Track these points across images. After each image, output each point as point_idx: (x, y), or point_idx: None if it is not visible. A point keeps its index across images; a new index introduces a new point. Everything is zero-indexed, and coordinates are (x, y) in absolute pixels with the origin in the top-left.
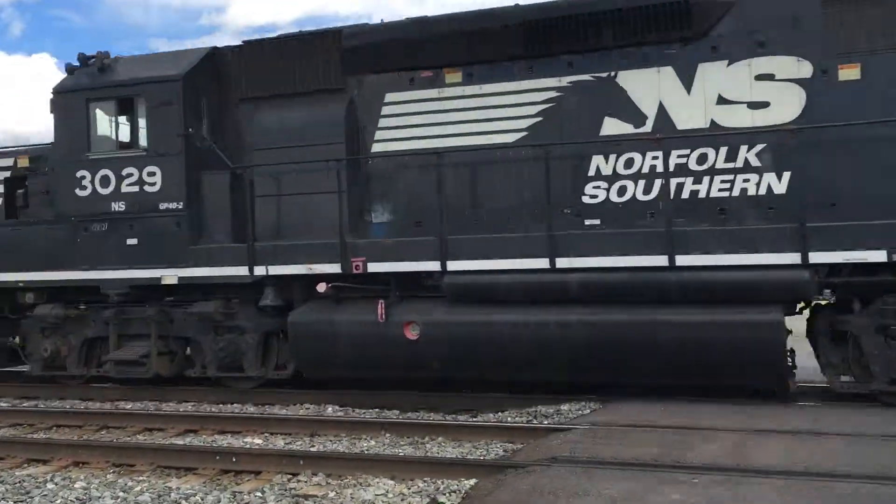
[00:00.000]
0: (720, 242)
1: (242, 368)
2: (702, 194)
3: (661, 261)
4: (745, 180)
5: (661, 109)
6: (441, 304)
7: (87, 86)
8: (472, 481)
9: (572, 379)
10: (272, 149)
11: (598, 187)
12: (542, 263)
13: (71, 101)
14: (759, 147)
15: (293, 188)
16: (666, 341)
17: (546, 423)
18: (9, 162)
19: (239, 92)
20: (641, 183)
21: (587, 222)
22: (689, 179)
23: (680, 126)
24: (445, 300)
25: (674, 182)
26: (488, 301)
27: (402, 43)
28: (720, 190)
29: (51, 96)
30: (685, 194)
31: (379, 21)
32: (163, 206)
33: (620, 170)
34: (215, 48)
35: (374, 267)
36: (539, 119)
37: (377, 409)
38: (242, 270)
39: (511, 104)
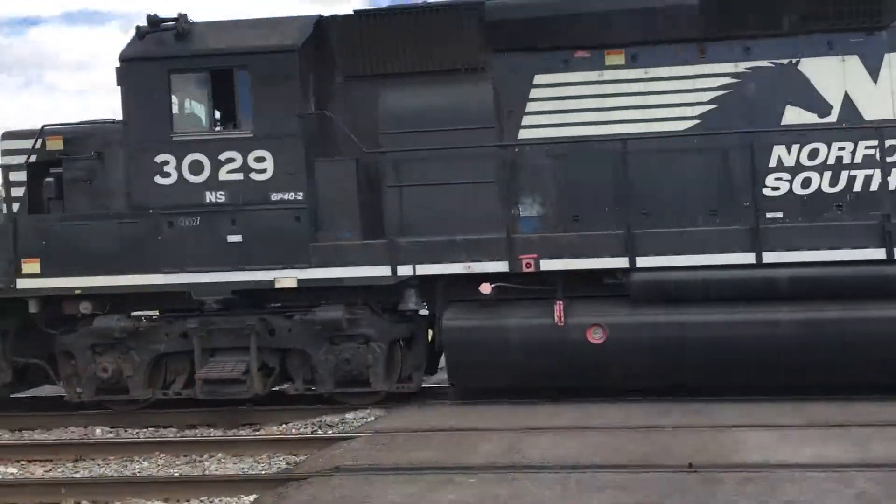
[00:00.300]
0: None
1: (364, 382)
2: (892, 186)
3: (880, 254)
4: None
5: (847, 99)
6: (624, 305)
7: (168, 54)
8: (252, 497)
9: (785, 381)
10: (404, 132)
11: (781, 178)
12: (748, 258)
13: (147, 71)
14: None
15: (436, 177)
16: (888, 337)
17: (330, 432)
18: (27, 144)
19: (350, 68)
20: (827, 175)
21: (769, 215)
22: (878, 171)
23: (867, 116)
24: (626, 301)
25: (862, 174)
26: (681, 300)
27: (555, 19)
28: None
29: (118, 64)
30: (874, 187)
31: None
32: (276, 196)
33: (804, 161)
34: (321, 17)
35: (548, 265)
36: (713, 107)
37: (152, 428)
38: (383, 270)
39: (681, 90)
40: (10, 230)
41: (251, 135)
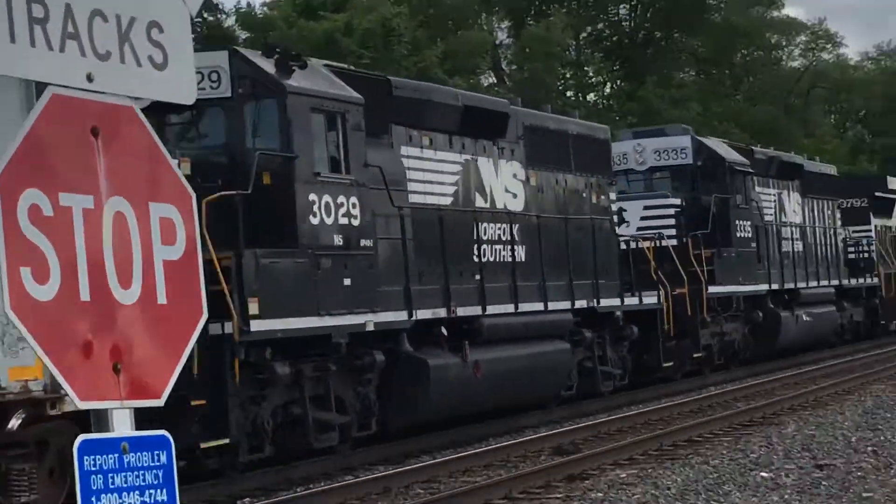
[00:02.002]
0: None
1: None
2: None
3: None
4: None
5: (491, 190)
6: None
7: (312, 91)
8: None
9: None
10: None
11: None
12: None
13: (301, 105)
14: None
15: None
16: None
17: None
18: None
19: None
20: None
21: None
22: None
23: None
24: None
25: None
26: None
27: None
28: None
29: (284, 94)
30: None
31: None
32: (362, 242)
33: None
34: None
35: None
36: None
37: None
38: None
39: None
40: None
41: (352, 180)
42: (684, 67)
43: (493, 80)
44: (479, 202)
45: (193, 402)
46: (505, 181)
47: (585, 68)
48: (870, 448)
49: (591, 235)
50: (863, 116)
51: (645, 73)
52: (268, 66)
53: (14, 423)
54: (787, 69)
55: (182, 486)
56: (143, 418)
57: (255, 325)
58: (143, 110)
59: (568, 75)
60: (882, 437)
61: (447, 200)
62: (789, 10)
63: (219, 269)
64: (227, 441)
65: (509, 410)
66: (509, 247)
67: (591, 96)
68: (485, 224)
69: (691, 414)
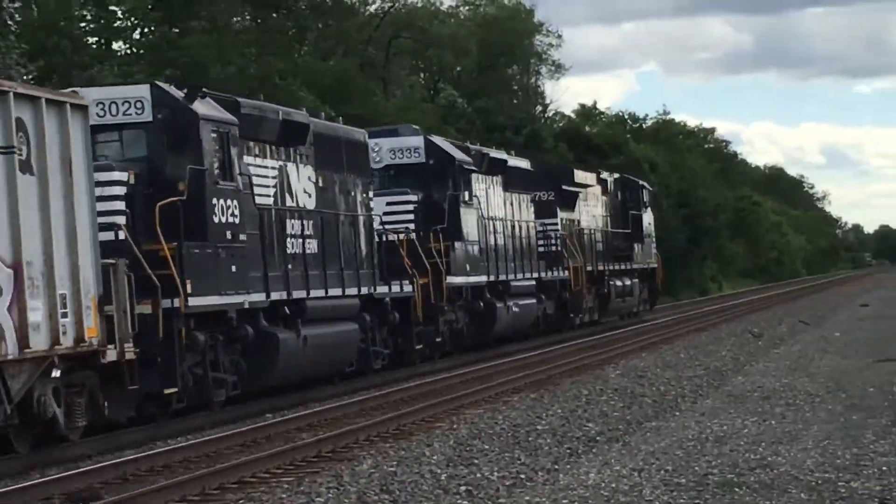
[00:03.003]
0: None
1: None
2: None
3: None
4: None
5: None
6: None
7: (211, 116)
8: None
9: None
10: None
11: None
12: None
13: (206, 128)
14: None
15: None
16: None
17: None
18: None
19: None
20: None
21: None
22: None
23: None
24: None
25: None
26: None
27: None
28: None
29: (196, 119)
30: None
31: None
32: None
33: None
34: None
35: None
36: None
37: None
38: None
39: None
40: None
41: (234, 186)
42: (238, 11)
43: None
44: (289, 202)
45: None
46: (303, 183)
47: (112, 8)
48: (463, 488)
49: (360, 229)
50: (457, 73)
51: (188, 18)
52: (180, 96)
53: (56, 372)
54: (364, 15)
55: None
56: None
57: (192, 301)
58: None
59: (89, 17)
60: (478, 474)
61: (270, 200)
62: None
63: (169, 258)
64: (176, 389)
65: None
66: (309, 240)
67: (118, 44)
68: (292, 221)
69: (243, 448)
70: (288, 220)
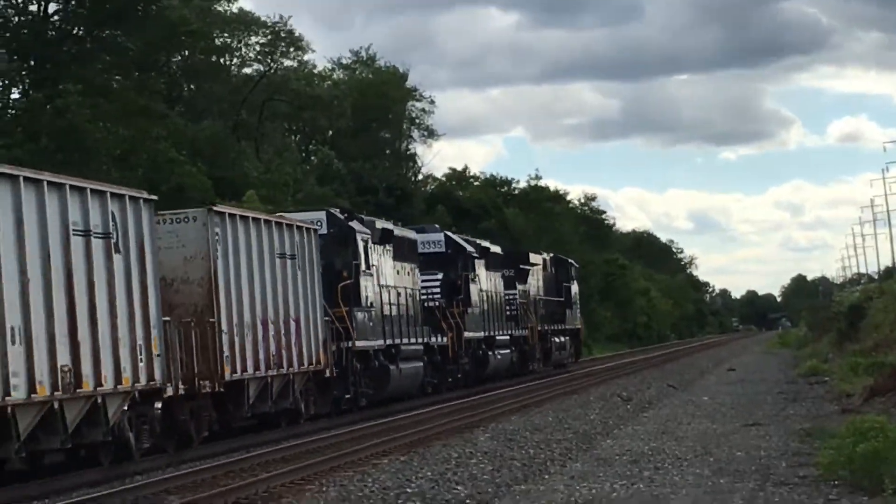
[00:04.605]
0: None
1: None
2: None
3: None
4: None
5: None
6: None
7: (360, 230)
8: None
9: None
10: None
11: None
12: None
13: (358, 238)
14: None
15: None
16: None
17: None
18: None
19: None
20: None
21: None
22: None
23: None
24: None
25: None
26: None
27: None
28: None
29: (353, 234)
30: None
31: None
32: None
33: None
34: None
35: None
36: None
37: None
38: None
39: None
40: None
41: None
42: (112, 70)
43: None
44: (385, 282)
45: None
46: (388, 269)
47: None
48: None
49: (418, 298)
50: (331, 136)
51: (65, 78)
52: (342, 217)
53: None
54: (240, 76)
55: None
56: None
57: (357, 344)
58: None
59: None
60: None
61: (383, 281)
62: (243, 3)
63: (345, 316)
64: (349, 396)
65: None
66: (394, 306)
67: None
68: (389, 293)
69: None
70: (386, 293)
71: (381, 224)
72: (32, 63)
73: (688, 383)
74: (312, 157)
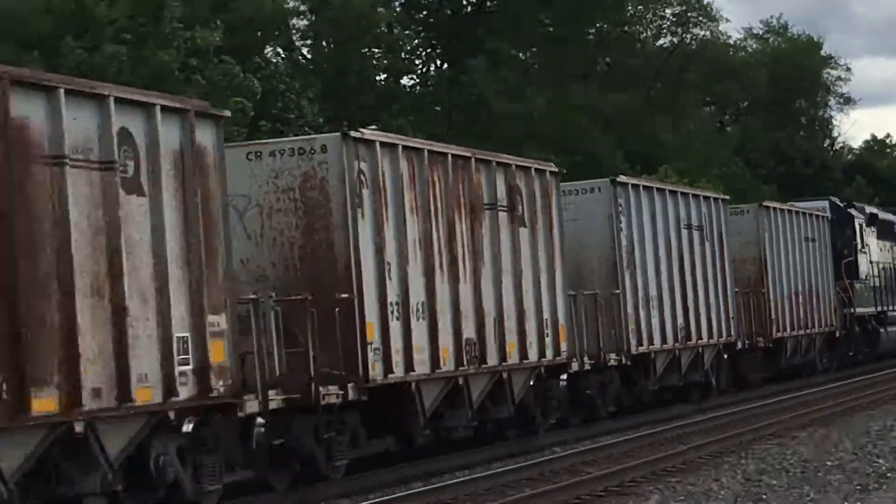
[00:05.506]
0: None
1: None
2: None
3: None
4: None
5: None
6: None
7: None
8: None
9: None
10: None
11: None
12: None
13: None
14: None
15: None
16: None
17: None
18: None
19: None
20: None
21: None
22: None
23: None
24: None
25: None
26: None
27: None
28: None
29: None
30: None
31: None
32: None
33: None
34: None
35: None
36: None
37: None
38: None
39: None
40: None
41: None
42: (524, 46)
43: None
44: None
45: None
46: (876, 248)
47: (400, 42)
48: None
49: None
50: (745, 107)
51: (474, 53)
52: (842, 206)
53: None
54: (652, 48)
55: None
56: None
57: (857, 310)
58: None
59: (378, 53)
60: None
61: (876, 258)
62: None
63: (848, 288)
64: None
65: None
66: (886, 279)
67: (405, 79)
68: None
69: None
70: (874, 268)
71: (868, 209)
72: (441, 40)
73: None
74: (728, 128)
